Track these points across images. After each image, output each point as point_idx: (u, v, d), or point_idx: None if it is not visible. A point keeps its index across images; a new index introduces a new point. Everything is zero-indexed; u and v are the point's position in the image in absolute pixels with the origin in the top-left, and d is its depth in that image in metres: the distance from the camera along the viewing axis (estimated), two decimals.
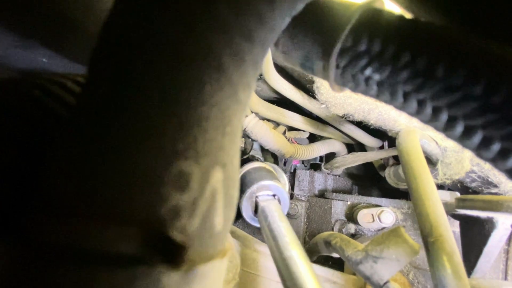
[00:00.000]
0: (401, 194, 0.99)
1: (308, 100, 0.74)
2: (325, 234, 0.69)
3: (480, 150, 0.18)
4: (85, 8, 0.56)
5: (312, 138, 1.02)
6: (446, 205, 0.67)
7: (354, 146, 1.04)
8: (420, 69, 0.18)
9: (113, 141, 0.12)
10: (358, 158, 0.93)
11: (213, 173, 0.14)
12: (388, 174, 0.95)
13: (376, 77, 0.21)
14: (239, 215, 1.00)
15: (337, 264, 0.83)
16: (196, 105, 0.14)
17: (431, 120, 0.19)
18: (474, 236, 0.59)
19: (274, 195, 0.54)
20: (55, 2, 0.53)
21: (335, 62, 0.22)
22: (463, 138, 0.18)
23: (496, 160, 0.17)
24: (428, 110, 0.19)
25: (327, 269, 0.66)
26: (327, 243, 0.65)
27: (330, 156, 0.99)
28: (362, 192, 1.11)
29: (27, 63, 0.72)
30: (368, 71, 0.21)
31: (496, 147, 0.17)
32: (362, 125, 0.79)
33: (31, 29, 0.58)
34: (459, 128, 0.18)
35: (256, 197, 0.53)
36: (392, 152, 0.88)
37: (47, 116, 0.18)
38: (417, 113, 0.20)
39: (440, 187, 0.84)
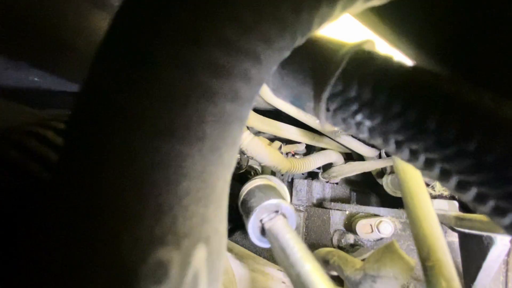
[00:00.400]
0: (400, 200, 0.99)
1: (304, 113, 0.74)
2: (323, 251, 0.68)
3: (475, 204, 0.17)
4: (75, 29, 0.55)
5: (309, 149, 1.01)
6: (444, 217, 0.67)
7: (352, 155, 1.03)
8: (411, 120, 0.17)
9: (85, 236, 0.12)
10: (355, 168, 0.93)
11: (195, 253, 0.13)
12: (386, 183, 0.95)
13: (367, 123, 0.20)
14: (238, 227, 1.00)
15: (336, 279, 0.82)
16: (176, 182, 0.13)
17: (425, 169, 0.19)
18: (473, 250, 0.59)
19: (279, 212, 0.54)
20: (45, 25, 0.52)
21: (325, 105, 0.21)
22: (457, 191, 0.18)
23: (492, 216, 0.17)
24: (421, 160, 0.18)
25: None
26: (325, 261, 0.65)
27: (327, 166, 0.99)
28: (360, 200, 1.10)
29: (18, 83, 0.71)
30: (359, 117, 0.20)
31: (491, 204, 0.16)
32: None
33: (21, 51, 0.57)
34: (453, 182, 0.17)
35: (261, 219, 0.53)
36: (389, 162, 0.87)
37: (25, 180, 0.17)
38: (410, 161, 0.19)
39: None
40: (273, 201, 0.53)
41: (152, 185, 0.13)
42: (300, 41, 0.19)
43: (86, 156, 0.13)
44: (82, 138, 0.14)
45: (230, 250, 0.64)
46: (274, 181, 0.75)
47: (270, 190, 0.59)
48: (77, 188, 0.12)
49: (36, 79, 0.71)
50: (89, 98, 0.14)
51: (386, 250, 0.50)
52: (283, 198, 0.57)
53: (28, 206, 0.16)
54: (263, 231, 0.53)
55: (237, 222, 1.00)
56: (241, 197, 0.60)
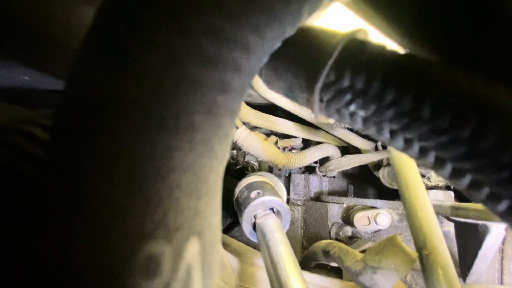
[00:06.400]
0: (396, 192, 0.99)
1: (299, 106, 0.74)
2: (324, 243, 0.68)
3: (470, 191, 0.17)
4: (64, 26, 0.54)
5: (306, 143, 1.01)
6: (440, 207, 0.67)
7: (348, 148, 1.03)
8: (406, 109, 0.17)
9: (73, 231, 0.11)
10: (352, 161, 0.93)
11: (188, 247, 0.13)
12: (383, 175, 0.95)
13: (361, 113, 0.20)
14: (236, 222, 1.00)
15: (335, 270, 0.83)
16: (166, 175, 0.13)
17: (419, 158, 0.19)
18: (469, 238, 0.60)
19: (273, 210, 0.54)
20: (33, 22, 0.51)
21: (318, 96, 0.21)
22: (452, 179, 0.17)
23: (487, 203, 0.17)
24: (415, 149, 0.18)
25: (326, 278, 0.66)
26: (326, 253, 0.65)
27: (324, 160, 0.99)
28: (357, 193, 1.11)
29: (9, 82, 0.70)
30: (352, 107, 0.20)
31: (486, 191, 0.16)
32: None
33: (11, 50, 0.56)
34: (448, 170, 0.17)
35: (255, 215, 0.52)
36: (385, 154, 0.87)
37: (12, 178, 0.16)
38: (404, 150, 0.19)
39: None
40: (268, 198, 0.53)
41: (141, 178, 0.12)
42: (290, 31, 0.19)
43: (73, 150, 0.13)
44: (68, 132, 0.13)
45: (228, 245, 0.64)
46: (270, 179, 0.75)
47: (266, 187, 0.59)
48: (63, 182, 0.12)
49: (26, 78, 0.70)
50: (75, 91, 0.14)
51: (388, 242, 0.51)
52: (277, 194, 0.57)
53: (16, 204, 0.16)
54: (255, 226, 0.53)
55: (235, 218, 1.00)
56: (236, 193, 0.60)
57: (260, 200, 0.53)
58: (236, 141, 0.60)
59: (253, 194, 0.55)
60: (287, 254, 0.42)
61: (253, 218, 0.52)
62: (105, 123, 0.13)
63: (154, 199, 0.12)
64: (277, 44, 0.19)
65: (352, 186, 1.12)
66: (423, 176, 0.75)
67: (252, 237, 0.53)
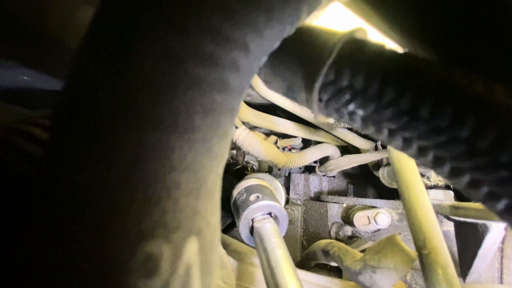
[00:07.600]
0: (396, 192, 0.99)
1: (299, 106, 0.74)
2: (323, 242, 0.68)
3: (469, 190, 0.17)
4: (62, 25, 0.54)
5: (306, 142, 1.01)
6: (439, 206, 0.67)
7: (348, 148, 1.03)
8: (404, 108, 0.17)
9: (72, 230, 0.11)
10: (352, 161, 0.93)
11: (187, 246, 0.13)
12: (382, 175, 0.95)
13: (360, 112, 0.20)
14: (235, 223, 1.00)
15: (335, 270, 0.83)
16: (165, 175, 0.13)
17: (418, 157, 0.19)
18: (469, 238, 0.60)
19: (270, 214, 0.53)
20: (31, 22, 0.51)
21: (317, 96, 0.21)
22: (451, 178, 0.17)
23: (485, 202, 0.17)
24: (414, 148, 0.18)
25: (326, 278, 0.66)
26: (325, 252, 0.65)
27: (324, 159, 0.99)
28: (357, 193, 1.11)
29: (8, 83, 0.70)
30: (351, 106, 0.20)
31: (485, 190, 0.16)
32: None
33: (9, 49, 0.56)
34: (447, 169, 0.17)
35: (252, 219, 0.52)
36: (385, 154, 0.87)
37: (11, 178, 0.16)
38: (403, 150, 0.19)
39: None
40: (267, 203, 0.53)
41: (139, 177, 0.12)
42: (289, 30, 0.19)
43: (71, 150, 0.13)
44: (67, 132, 0.13)
45: (228, 245, 0.64)
46: (268, 181, 0.74)
47: (265, 191, 0.58)
48: (62, 183, 0.12)
49: (26, 78, 0.70)
50: (73, 91, 0.14)
51: (387, 242, 0.51)
52: (276, 199, 0.56)
53: (15, 204, 0.16)
54: (252, 230, 0.53)
55: (234, 218, 1.00)
56: (235, 195, 0.60)
57: (260, 204, 0.52)
58: (235, 141, 0.60)
59: (253, 197, 0.54)
60: (285, 259, 0.42)
61: (251, 222, 0.52)
62: (104, 123, 0.13)
63: (153, 198, 0.12)
64: (276, 44, 0.19)
65: (352, 186, 1.12)
66: (422, 175, 0.75)
67: (249, 241, 0.53)
